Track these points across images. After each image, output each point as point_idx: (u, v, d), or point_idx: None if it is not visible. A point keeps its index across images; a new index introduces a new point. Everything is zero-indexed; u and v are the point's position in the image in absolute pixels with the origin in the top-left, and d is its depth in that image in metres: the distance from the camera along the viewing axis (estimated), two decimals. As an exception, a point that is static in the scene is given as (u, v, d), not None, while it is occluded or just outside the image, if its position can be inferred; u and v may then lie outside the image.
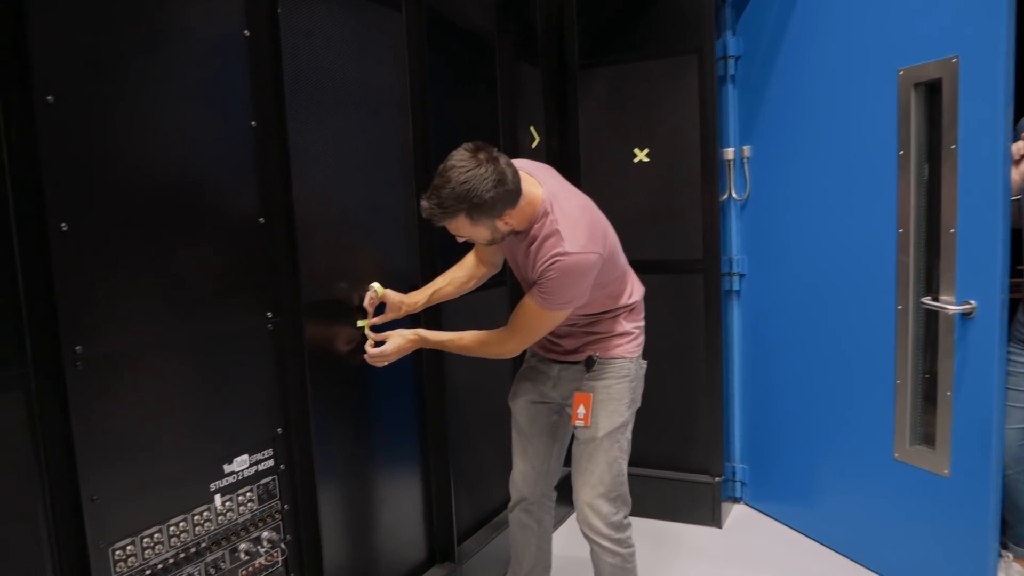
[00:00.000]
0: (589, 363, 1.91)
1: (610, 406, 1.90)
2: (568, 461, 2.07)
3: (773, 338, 2.98)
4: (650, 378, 2.07)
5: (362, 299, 1.94)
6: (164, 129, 1.41)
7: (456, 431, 2.34)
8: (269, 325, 1.65)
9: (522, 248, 1.80)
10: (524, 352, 2.03)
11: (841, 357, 2.66)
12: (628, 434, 1.96)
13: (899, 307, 2.41)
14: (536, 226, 1.74)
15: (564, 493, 2.27)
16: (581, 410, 1.89)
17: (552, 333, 1.95)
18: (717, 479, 3.02)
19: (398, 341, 1.89)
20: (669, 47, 2.96)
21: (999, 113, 2.06)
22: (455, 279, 2.09)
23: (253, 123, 1.61)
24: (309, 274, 1.75)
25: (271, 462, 1.66)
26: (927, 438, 2.39)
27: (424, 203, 1.64)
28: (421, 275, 2.17)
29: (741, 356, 3.16)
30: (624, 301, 1.94)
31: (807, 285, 2.79)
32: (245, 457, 1.59)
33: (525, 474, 2.09)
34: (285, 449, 1.70)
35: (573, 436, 2.00)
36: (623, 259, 1.96)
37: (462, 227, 1.67)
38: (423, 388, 2.24)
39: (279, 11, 1.65)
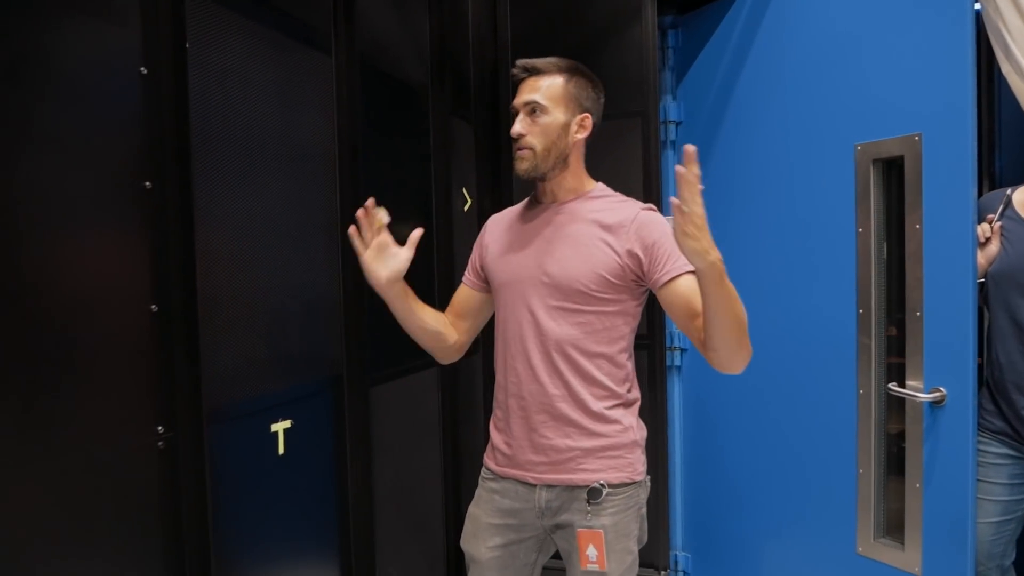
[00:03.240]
0: (594, 494, 1.48)
1: (619, 545, 1.51)
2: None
3: (718, 418, 2.79)
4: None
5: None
6: (16, 185, 1.04)
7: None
8: (160, 443, 1.27)
9: (556, 226, 1.70)
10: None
11: (796, 442, 2.49)
12: None
13: (860, 391, 2.27)
14: (589, 193, 1.74)
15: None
16: (592, 551, 1.46)
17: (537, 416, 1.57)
18: (663, 572, 2.77)
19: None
20: (613, 108, 2.79)
21: (966, 194, 1.97)
22: (439, 319, 1.70)
23: (147, 184, 1.26)
24: (214, 373, 1.38)
25: (155, 627, 1.26)
26: (894, 532, 2.24)
27: (519, 61, 1.60)
28: (347, 366, 1.82)
29: (682, 436, 2.95)
30: (630, 370, 1.68)
31: (755, 362, 2.62)
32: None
33: None
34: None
35: None
36: None
37: (550, 91, 1.59)
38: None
39: (187, 46, 1.32)
